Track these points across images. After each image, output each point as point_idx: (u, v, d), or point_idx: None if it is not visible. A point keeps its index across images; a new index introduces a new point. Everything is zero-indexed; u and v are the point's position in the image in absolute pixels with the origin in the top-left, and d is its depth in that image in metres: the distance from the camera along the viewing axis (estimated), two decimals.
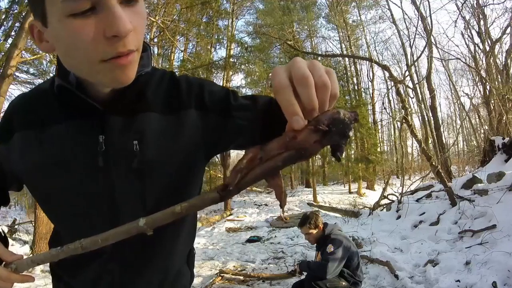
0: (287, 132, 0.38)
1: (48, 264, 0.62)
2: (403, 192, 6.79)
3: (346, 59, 16.45)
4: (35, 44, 0.59)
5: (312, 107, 0.37)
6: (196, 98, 0.66)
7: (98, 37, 0.47)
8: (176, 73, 0.72)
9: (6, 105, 3.80)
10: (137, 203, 0.63)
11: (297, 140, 0.37)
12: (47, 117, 0.62)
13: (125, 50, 0.49)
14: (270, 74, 0.46)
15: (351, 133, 0.36)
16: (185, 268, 0.80)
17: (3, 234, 0.65)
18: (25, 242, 5.90)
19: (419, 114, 13.57)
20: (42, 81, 0.69)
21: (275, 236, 6.56)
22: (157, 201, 0.64)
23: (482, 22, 10.07)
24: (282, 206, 0.42)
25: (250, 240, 6.40)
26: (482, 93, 10.30)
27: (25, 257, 0.57)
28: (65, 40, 0.49)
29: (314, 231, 2.84)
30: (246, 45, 13.09)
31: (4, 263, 0.57)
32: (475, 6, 10.02)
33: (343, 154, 0.38)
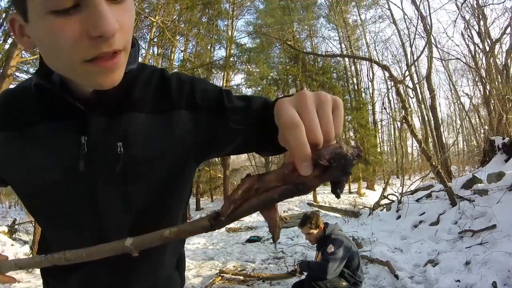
0: (286, 164, 0.36)
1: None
2: (403, 192, 6.79)
3: (346, 59, 16.48)
4: (15, 39, 0.56)
5: (314, 148, 0.36)
6: (187, 98, 0.63)
7: (82, 37, 0.44)
8: (175, 72, 0.68)
9: None
10: (122, 207, 0.61)
11: (296, 174, 0.35)
12: (28, 117, 0.59)
13: (110, 50, 0.46)
14: (276, 109, 0.42)
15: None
16: (175, 274, 0.78)
17: None
18: (25, 242, 5.89)
19: (419, 114, 13.58)
20: None
21: None
22: (144, 204, 0.62)
23: (482, 22, 10.08)
24: (274, 240, 0.40)
25: (250, 240, 6.40)
26: (482, 93, 10.30)
27: (24, 256, 0.57)
28: (46, 39, 0.46)
29: (315, 231, 2.84)
30: (245, 47, 13.11)
31: None
32: (475, 6, 10.03)
33: (343, 190, 0.36)
